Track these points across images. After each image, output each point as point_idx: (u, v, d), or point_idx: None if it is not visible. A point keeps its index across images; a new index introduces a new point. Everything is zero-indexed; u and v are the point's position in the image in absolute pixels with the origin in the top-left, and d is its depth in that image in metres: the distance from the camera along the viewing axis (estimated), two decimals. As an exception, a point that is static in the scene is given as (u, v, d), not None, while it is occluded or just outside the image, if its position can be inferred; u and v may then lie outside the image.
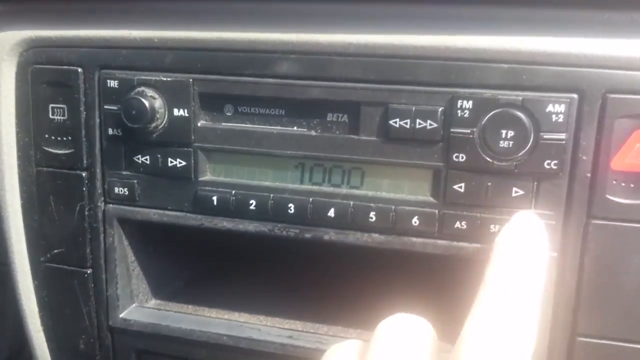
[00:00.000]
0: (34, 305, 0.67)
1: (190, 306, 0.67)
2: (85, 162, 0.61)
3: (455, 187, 0.53)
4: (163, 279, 0.70)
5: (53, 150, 0.62)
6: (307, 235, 0.57)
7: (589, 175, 0.50)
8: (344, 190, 0.56)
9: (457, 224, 0.53)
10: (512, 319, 0.41)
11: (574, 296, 0.52)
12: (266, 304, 0.67)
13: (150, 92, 0.57)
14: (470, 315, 0.42)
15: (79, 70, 0.60)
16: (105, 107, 0.59)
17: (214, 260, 0.79)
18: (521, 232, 0.47)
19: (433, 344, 0.43)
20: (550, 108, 0.49)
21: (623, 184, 0.50)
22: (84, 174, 0.62)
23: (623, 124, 0.48)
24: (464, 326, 0.41)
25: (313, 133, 0.56)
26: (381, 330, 0.44)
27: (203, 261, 0.78)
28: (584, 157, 0.50)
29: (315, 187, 0.56)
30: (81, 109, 0.60)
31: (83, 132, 0.61)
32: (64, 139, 0.61)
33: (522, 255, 0.44)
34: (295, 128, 0.56)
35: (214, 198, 0.58)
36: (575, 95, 0.49)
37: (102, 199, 0.62)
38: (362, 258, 0.68)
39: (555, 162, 0.50)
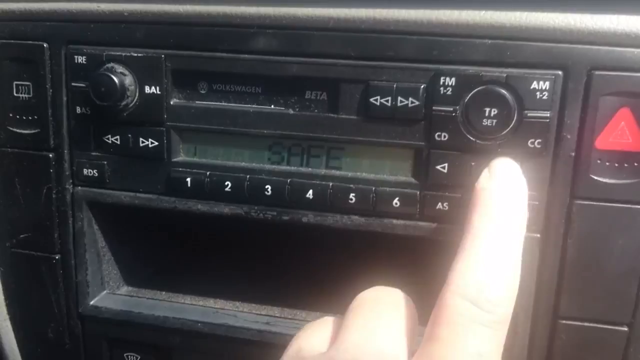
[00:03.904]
0: (0, 294, 0.65)
1: (163, 293, 0.65)
2: (52, 142, 0.59)
3: (438, 167, 0.51)
4: (135, 264, 0.68)
5: (18, 130, 0.59)
6: (285, 218, 0.55)
7: (573, 154, 0.49)
8: (322, 171, 0.54)
9: (439, 205, 0.52)
10: (501, 262, 0.41)
11: (556, 278, 0.52)
12: (243, 289, 0.65)
13: (120, 68, 0.55)
14: (458, 259, 0.42)
15: (45, 45, 0.57)
16: (73, 84, 0.57)
17: (188, 244, 0.77)
18: (502, 176, 0.47)
19: (411, 312, 0.42)
20: (534, 85, 0.48)
21: (607, 164, 0.49)
22: (51, 155, 0.59)
23: (608, 101, 0.47)
24: (451, 270, 0.41)
25: (291, 111, 0.54)
26: (358, 301, 0.43)
27: (177, 246, 0.76)
28: (568, 136, 0.49)
29: (293, 168, 0.55)
30: (47, 86, 0.58)
31: (50, 110, 0.58)
32: (30, 118, 0.59)
33: (507, 199, 0.45)
34: (272, 106, 0.54)
35: (188, 180, 0.56)
36: (560, 72, 0.48)
37: (71, 181, 0.60)
38: (342, 241, 0.67)
39: (539, 140, 0.49)
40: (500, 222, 0.43)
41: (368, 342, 0.40)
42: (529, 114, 0.48)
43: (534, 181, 0.50)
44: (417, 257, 0.62)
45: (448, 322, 0.39)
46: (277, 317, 0.61)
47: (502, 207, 0.44)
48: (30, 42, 0.57)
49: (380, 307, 0.43)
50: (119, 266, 0.66)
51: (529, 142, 0.49)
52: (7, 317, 0.66)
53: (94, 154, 0.58)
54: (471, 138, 0.50)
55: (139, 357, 0.64)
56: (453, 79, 0.49)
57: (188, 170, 0.56)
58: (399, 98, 0.50)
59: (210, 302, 0.63)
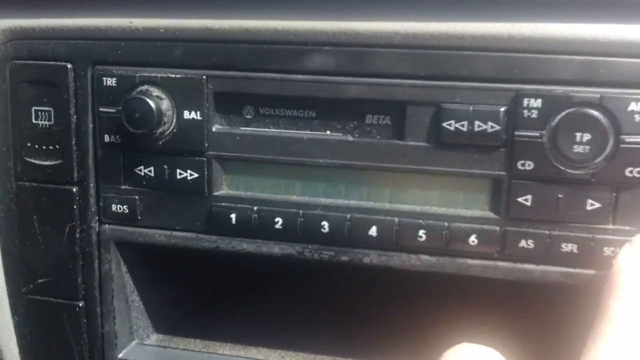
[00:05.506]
0: (14, 346, 0.61)
1: (197, 340, 0.61)
2: (76, 175, 0.55)
3: (521, 199, 0.48)
4: (164, 308, 0.64)
5: (37, 162, 0.56)
6: (344, 258, 0.52)
7: (678, 184, 0.45)
8: (387, 205, 0.51)
9: (523, 243, 0.48)
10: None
11: None
12: (286, 334, 0.61)
13: (155, 91, 0.52)
14: (591, 347, 0.38)
15: (69, 66, 0.54)
16: (101, 109, 0.54)
17: (219, 284, 0.73)
18: None
19: None
20: (632, 107, 0.44)
21: None
22: (74, 189, 0.56)
23: None
24: (584, 357, 0.37)
25: (350, 138, 0.51)
26: None
27: (207, 286, 0.72)
28: None
29: (352, 202, 0.51)
30: (71, 112, 0.54)
31: (73, 139, 0.55)
32: (50, 147, 0.55)
33: None
34: (328, 132, 0.51)
35: (232, 216, 0.53)
36: (662, 92, 0.44)
37: (97, 218, 0.56)
38: (402, 282, 0.62)
39: (639, 170, 0.45)
40: None
41: None
42: (626, 139, 0.45)
43: (632, 215, 0.46)
44: (495, 300, 0.57)
45: None
46: None
47: None
48: (51, 62, 0.54)
49: None
50: (148, 311, 0.62)
51: (627, 170, 0.45)
52: (21, 372, 0.62)
53: (123, 187, 0.55)
54: (560, 167, 0.46)
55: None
56: (538, 101, 0.46)
57: (232, 205, 0.53)
58: (477, 122, 0.47)
59: (253, 352, 0.59)
